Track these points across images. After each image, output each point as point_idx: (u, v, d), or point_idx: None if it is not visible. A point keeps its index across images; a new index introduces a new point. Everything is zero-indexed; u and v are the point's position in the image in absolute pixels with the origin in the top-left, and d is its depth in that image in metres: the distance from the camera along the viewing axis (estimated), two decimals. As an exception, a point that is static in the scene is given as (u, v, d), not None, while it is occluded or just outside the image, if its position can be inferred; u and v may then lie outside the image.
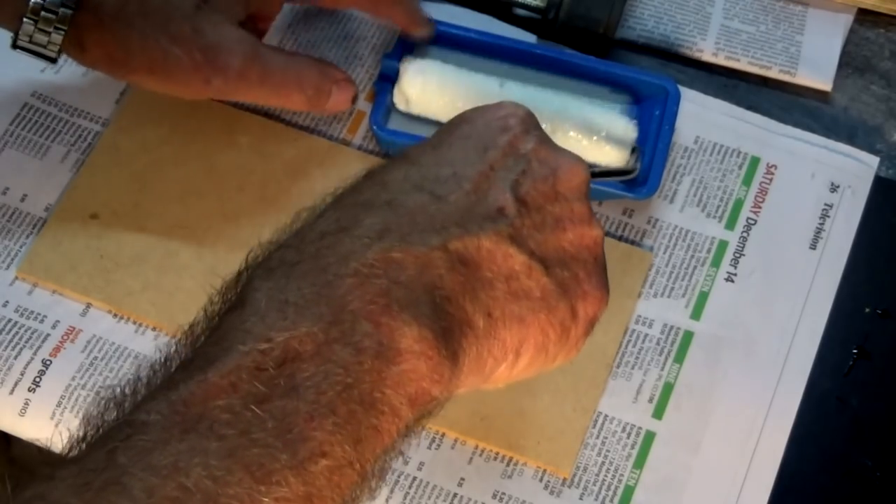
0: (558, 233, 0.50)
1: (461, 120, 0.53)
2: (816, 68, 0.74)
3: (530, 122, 0.53)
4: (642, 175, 0.68)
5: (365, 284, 0.44)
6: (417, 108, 0.69)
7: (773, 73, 0.74)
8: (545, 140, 0.52)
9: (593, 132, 0.69)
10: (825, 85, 0.74)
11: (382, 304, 0.44)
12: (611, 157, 0.68)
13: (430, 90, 0.69)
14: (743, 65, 0.74)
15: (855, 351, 0.67)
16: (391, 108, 0.70)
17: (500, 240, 0.48)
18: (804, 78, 0.74)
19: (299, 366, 0.42)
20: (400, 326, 0.43)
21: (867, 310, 0.68)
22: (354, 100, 0.68)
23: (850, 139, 0.72)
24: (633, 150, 0.68)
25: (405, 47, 0.71)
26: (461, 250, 0.47)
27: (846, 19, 0.76)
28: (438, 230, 0.47)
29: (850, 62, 0.75)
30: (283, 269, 0.45)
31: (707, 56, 0.74)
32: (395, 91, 0.70)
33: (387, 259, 0.45)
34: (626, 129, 0.69)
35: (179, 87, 0.64)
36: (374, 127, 0.69)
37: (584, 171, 0.52)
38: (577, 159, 0.52)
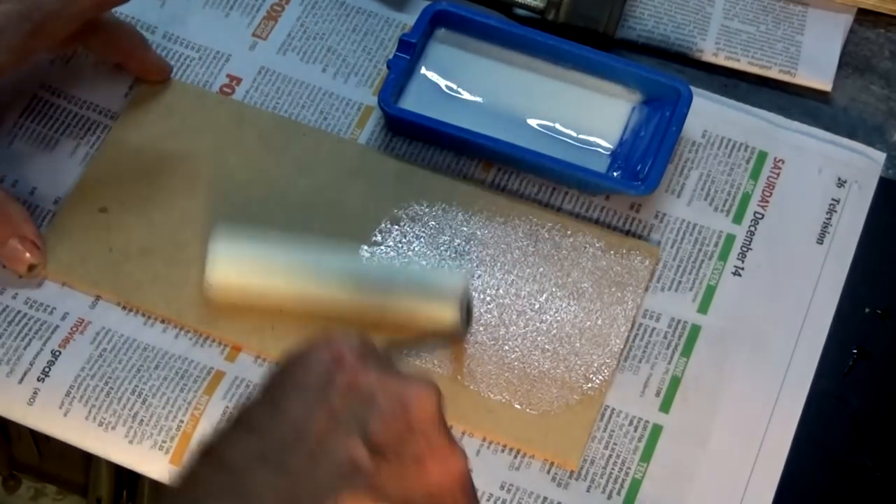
0: (422, 472, 0.46)
1: (290, 364, 0.49)
2: (816, 68, 0.74)
3: (366, 348, 0.48)
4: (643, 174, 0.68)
5: None
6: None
7: (773, 73, 0.74)
8: (386, 365, 0.48)
9: (420, 296, 0.63)
10: (825, 85, 0.74)
11: None
12: (442, 316, 0.63)
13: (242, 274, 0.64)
14: (743, 65, 0.74)
15: (855, 351, 0.67)
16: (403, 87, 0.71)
17: (359, 501, 0.44)
18: (804, 78, 0.74)
19: None
20: None
21: (867, 310, 0.68)
22: (31, 268, 0.65)
23: (850, 139, 0.72)
24: (463, 307, 0.63)
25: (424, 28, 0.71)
26: None
27: (846, 19, 0.76)
28: None
29: (850, 62, 0.75)
30: None
31: (707, 56, 0.74)
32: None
33: None
34: (454, 285, 0.64)
35: None
36: (383, 105, 0.69)
37: (436, 395, 0.47)
38: (426, 384, 0.47)
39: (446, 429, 0.47)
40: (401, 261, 0.66)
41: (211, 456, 0.46)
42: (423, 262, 0.66)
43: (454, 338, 0.64)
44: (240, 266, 0.64)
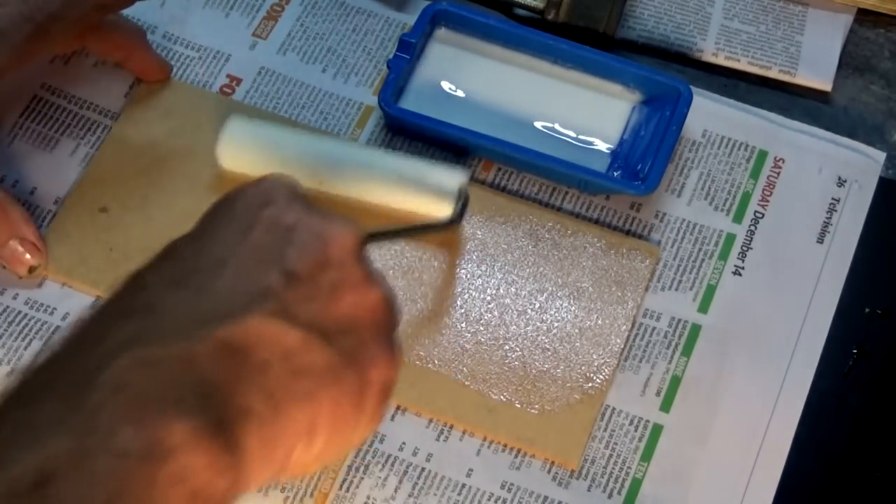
0: (335, 300, 0.47)
1: (221, 203, 0.51)
2: (816, 68, 0.74)
3: (295, 192, 0.50)
4: (643, 173, 0.68)
5: (121, 391, 0.41)
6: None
7: (773, 73, 0.74)
8: (311, 208, 0.50)
9: (412, 183, 0.66)
10: (825, 85, 0.74)
11: (141, 406, 0.41)
12: (432, 207, 0.65)
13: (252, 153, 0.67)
14: (743, 65, 0.74)
15: (855, 351, 0.67)
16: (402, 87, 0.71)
17: (268, 319, 0.45)
18: (804, 78, 0.74)
19: (56, 485, 0.39)
20: (165, 424, 0.40)
21: (867, 310, 0.68)
22: (31, 270, 0.66)
23: (850, 139, 0.72)
24: (460, 198, 0.65)
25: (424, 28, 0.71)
26: (227, 338, 0.44)
27: (846, 19, 0.76)
28: (201, 323, 0.44)
29: (850, 62, 0.75)
30: (34, 390, 0.43)
31: (707, 56, 0.75)
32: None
33: (143, 362, 0.42)
34: (451, 177, 0.66)
35: None
36: (383, 105, 0.69)
37: (355, 234, 0.49)
38: (347, 222, 0.49)
39: (365, 266, 0.49)
40: (402, 154, 0.68)
41: (130, 281, 0.47)
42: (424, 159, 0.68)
43: (448, 226, 0.65)
44: (247, 151, 0.67)
